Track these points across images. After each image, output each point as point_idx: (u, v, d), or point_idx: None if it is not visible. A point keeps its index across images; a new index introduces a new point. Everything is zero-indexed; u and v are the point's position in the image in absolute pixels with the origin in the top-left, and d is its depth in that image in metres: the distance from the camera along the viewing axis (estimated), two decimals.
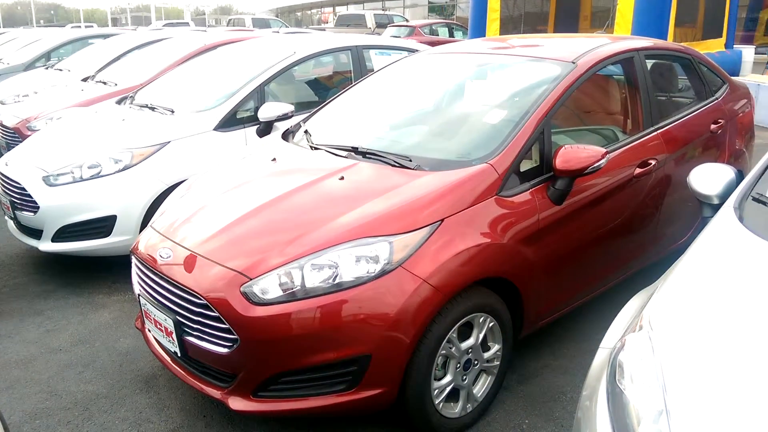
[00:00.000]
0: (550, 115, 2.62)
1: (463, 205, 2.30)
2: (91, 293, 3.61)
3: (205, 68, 5.05)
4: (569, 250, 2.66)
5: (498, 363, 2.49)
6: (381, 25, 20.61)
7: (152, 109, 4.33)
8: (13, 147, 5.15)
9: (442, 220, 2.23)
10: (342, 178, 2.54)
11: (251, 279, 2.11)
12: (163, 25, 28.43)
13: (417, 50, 5.24)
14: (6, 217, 4.03)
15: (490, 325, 2.40)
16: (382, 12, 26.08)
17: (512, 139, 2.51)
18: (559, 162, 2.47)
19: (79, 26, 36.59)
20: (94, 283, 3.74)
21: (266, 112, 4.08)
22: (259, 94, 4.27)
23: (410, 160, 2.55)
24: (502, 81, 3.27)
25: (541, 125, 2.57)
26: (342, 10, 35.30)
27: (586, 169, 2.48)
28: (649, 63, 3.46)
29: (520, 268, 2.42)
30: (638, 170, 2.97)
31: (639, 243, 3.17)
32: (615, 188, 2.85)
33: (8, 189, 3.84)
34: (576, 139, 3.12)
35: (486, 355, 2.43)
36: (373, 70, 4.91)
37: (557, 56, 2.98)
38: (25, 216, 3.71)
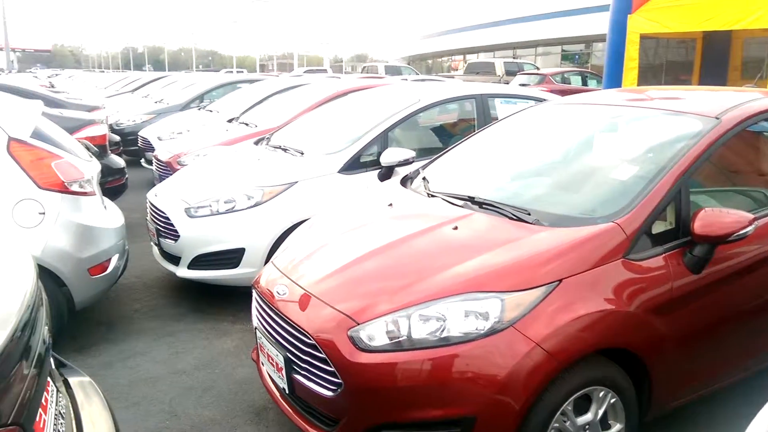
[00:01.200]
0: (688, 173, 2.41)
1: (584, 266, 2.16)
2: (217, 320, 3.85)
3: (335, 113, 5.31)
4: (706, 326, 2.40)
5: None
6: (510, 73, 20.58)
7: (284, 150, 4.62)
8: (165, 179, 5.72)
9: (561, 281, 2.11)
10: (456, 227, 2.51)
11: (359, 324, 2.12)
12: (304, 72, 30.57)
13: (544, 99, 5.13)
14: (152, 243, 4.44)
15: (612, 401, 2.20)
16: (512, 60, 26.06)
17: (644, 198, 2.34)
18: (699, 226, 2.25)
19: (231, 71, 40.41)
20: (221, 310, 3.99)
21: (388, 158, 4.19)
22: (383, 140, 4.39)
23: (528, 214, 2.47)
24: (636, 135, 3.09)
25: (678, 184, 2.37)
26: (472, 57, 35.81)
27: (730, 236, 2.24)
28: None
29: (648, 341, 2.21)
30: None
31: None
32: (763, 259, 2.54)
33: (155, 217, 4.24)
34: (719, 201, 2.84)
35: None
36: (497, 119, 4.89)
37: (699, 111, 2.76)
38: (167, 243, 4.07)
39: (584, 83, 18.33)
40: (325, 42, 58.51)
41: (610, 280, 2.18)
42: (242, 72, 39.59)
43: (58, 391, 1.55)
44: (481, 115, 4.84)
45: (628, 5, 9.10)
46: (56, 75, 43.42)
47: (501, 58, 25.70)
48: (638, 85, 8.25)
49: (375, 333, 2.08)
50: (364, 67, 30.41)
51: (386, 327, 2.08)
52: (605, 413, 2.19)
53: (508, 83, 18.63)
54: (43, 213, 3.16)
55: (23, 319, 1.31)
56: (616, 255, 2.22)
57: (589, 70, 21.57)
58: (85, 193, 3.39)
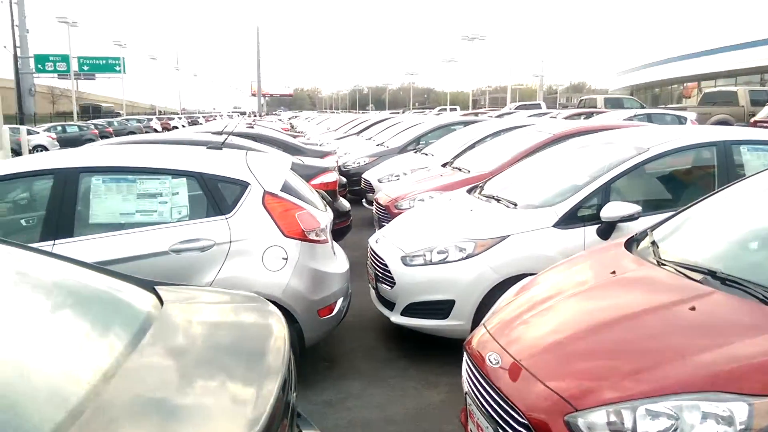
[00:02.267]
0: None
1: None
2: (426, 370, 3.95)
3: (552, 160, 5.18)
4: None
5: None
6: (757, 103, 17.90)
7: (497, 200, 4.62)
8: (383, 222, 6.13)
9: None
10: (693, 308, 2.23)
11: (577, 410, 1.99)
12: (516, 107, 30.48)
13: None
14: (370, 286, 4.77)
15: None
16: (759, 88, 22.63)
17: None
18: None
19: (445, 108, 42.02)
20: (430, 359, 4.09)
21: (609, 212, 3.93)
22: (604, 192, 4.14)
23: None
24: None
25: None
26: (709, 85, 32.05)
27: None
28: None
29: None
30: None
31: None
32: None
33: (375, 263, 4.55)
34: None
35: None
36: (743, 169, 4.29)
37: None
38: (384, 288, 4.33)
39: None
40: (539, 74, 57.66)
41: None
42: (455, 109, 40.93)
43: None
44: (723, 165, 4.29)
45: None
46: (296, 117, 49.89)
47: (744, 85, 22.50)
48: None
49: (596, 423, 1.94)
50: (581, 99, 29.13)
51: (608, 418, 1.92)
52: None
53: (753, 115, 16.26)
54: (286, 258, 3.60)
55: (283, 378, 1.49)
56: None
57: None
58: (319, 241, 3.79)
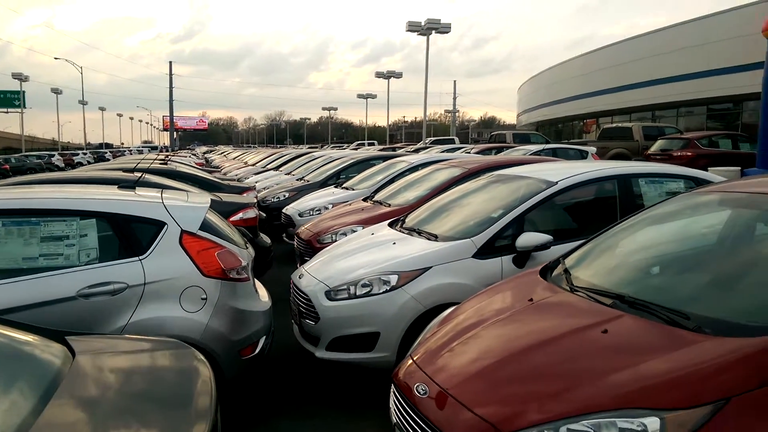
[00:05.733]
0: None
1: (757, 383, 1.93)
2: (354, 403, 3.92)
3: (469, 194, 5.36)
4: None
5: None
6: (650, 137, 19.52)
7: (419, 233, 4.72)
8: (306, 256, 6.07)
9: (729, 399, 1.90)
10: (605, 331, 2.37)
11: None
12: (431, 142, 31.45)
13: (696, 178, 4.81)
14: (293, 322, 4.68)
15: None
16: (651, 124, 24.74)
17: None
18: None
19: (363, 143, 42.67)
20: (357, 393, 4.06)
21: (524, 242, 4.12)
22: (518, 224, 4.34)
23: (688, 318, 2.28)
24: None
25: None
26: (606, 121, 34.61)
27: None
28: None
29: None
30: None
31: None
32: None
33: (298, 298, 4.49)
34: None
35: None
36: (642, 199, 4.64)
37: None
38: (308, 324, 4.27)
39: (735, 146, 16.91)
40: (452, 111, 59.97)
41: None
42: (373, 143, 41.65)
43: None
44: (624, 197, 4.63)
45: None
46: (211, 151, 48.78)
47: (639, 122, 24.48)
48: None
49: None
50: (492, 134, 30.58)
51: None
52: None
53: (647, 148, 17.68)
54: (205, 299, 3.48)
55: (212, 423, 1.44)
56: None
57: (739, 133, 19.90)
58: (240, 279, 3.69)
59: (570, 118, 44.36)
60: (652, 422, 1.89)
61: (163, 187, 4.91)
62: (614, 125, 25.26)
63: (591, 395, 2.03)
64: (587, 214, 4.90)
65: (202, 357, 1.89)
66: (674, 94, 30.11)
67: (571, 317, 2.58)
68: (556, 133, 45.61)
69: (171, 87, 55.06)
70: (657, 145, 16.95)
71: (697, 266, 2.96)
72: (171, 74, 54.63)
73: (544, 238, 4.10)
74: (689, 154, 14.83)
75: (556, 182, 4.56)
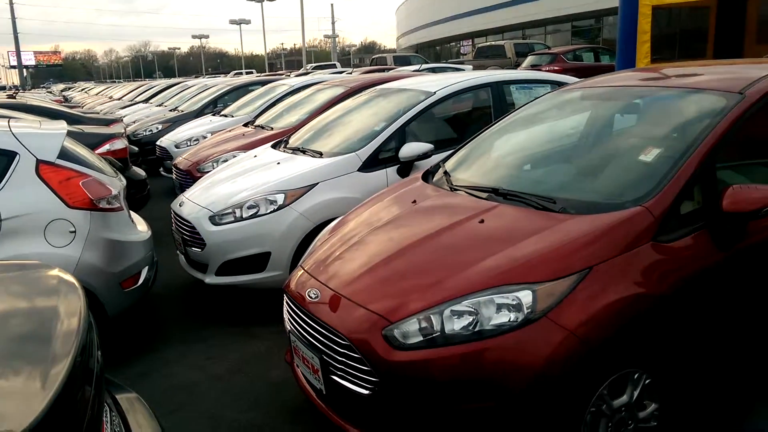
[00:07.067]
0: (714, 151, 2.38)
1: (614, 252, 2.16)
2: (248, 324, 3.90)
3: (351, 111, 5.32)
4: (737, 303, 2.38)
5: (655, 424, 2.27)
6: (521, 54, 20.33)
7: (303, 152, 4.64)
8: (186, 187, 5.79)
9: (591, 268, 2.11)
10: (482, 221, 2.51)
11: (392, 323, 2.14)
12: (312, 68, 30.59)
13: (560, 82, 5.09)
14: (178, 252, 4.51)
15: (646, 381, 2.20)
16: (522, 41, 25.72)
17: (671, 179, 2.32)
18: (727, 203, 2.24)
19: (241, 73, 40.60)
20: (251, 314, 4.04)
21: (407, 153, 4.20)
22: (401, 135, 4.40)
23: (554, 202, 2.46)
24: (657, 115, 3.05)
25: (704, 163, 2.35)
26: (481, 41, 35.47)
27: (760, 211, 2.22)
28: None
29: (678, 322, 2.21)
30: None
31: None
32: None
33: (181, 227, 4.31)
34: (746, 176, 2.80)
35: (641, 414, 2.23)
36: (513, 105, 4.86)
37: (721, 86, 2.72)
38: (194, 252, 4.14)
39: (597, 59, 18.09)
40: (332, 36, 58.37)
41: (640, 264, 2.17)
42: (252, 72, 39.76)
43: (109, 409, 1.60)
44: (498, 103, 4.82)
45: None
46: (69, 89, 44.10)
47: (510, 39, 25.36)
48: (651, 57, 8.11)
49: (409, 331, 2.10)
50: (373, 58, 30.26)
51: (419, 324, 2.10)
52: (640, 395, 2.19)
53: (519, 65, 18.41)
54: (74, 231, 3.23)
55: (81, 342, 1.35)
56: (646, 238, 2.21)
57: (600, 46, 21.25)
58: (112, 209, 3.46)
59: (447, 40, 44.93)
60: (525, 295, 2.06)
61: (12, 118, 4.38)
62: (488, 44, 25.94)
63: (470, 279, 2.17)
64: (465, 122, 5.06)
65: (71, 278, 1.75)
66: (542, 12, 31.42)
67: (451, 213, 2.69)
68: (435, 55, 46.10)
69: (13, 17, 48.50)
70: (527, 61, 17.70)
71: (563, 159, 3.18)
72: (12, 2, 47.96)
73: (425, 147, 4.20)
74: (557, 68, 15.62)
75: (435, 92, 4.63)
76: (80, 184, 3.33)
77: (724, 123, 2.44)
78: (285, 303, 2.76)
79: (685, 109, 2.84)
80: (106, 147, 5.57)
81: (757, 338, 2.57)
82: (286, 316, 2.74)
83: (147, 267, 3.68)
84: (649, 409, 2.24)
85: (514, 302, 2.06)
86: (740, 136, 2.75)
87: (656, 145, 2.68)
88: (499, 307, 2.06)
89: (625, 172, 2.71)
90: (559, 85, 5.03)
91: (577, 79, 4.45)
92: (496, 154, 3.43)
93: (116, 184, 3.70)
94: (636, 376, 2.17)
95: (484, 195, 2.74)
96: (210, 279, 4.06)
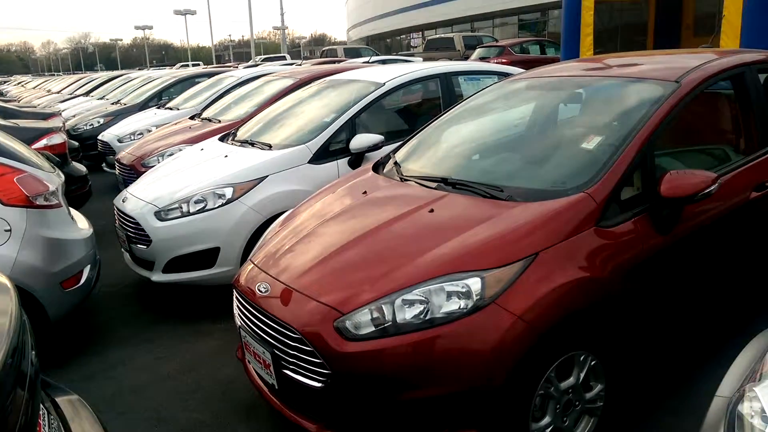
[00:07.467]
0: (653, 138, 2.47)
1: (559, 238, 2.21)
2: (197, 322, 3.81)
3: (300, 103, 5.25)
4: (677, 283, 2.48)
5: (601, 404, 2.34)
6: (470, 46, 20.54)
7: (252, 144, 4.56)
8: (130, 182, 5.60)
9: (537, 254, 2.15)
10: (432, 210, 2.52)
11: (344, 314, 2.13)
12: (262, 59, 30.08)
13: (508, 74, 5.17)
14: (123, 250, 4.37)
15: (592, 363, 2.27)
16: (470, 34, 26.02)
17: (611, 166, 2.39)
18: (665, 188, 2.32)
19: (187, 65, 39.52)
20: (200, 311, 3.95)
21: (357, 144, 4.18)
22: (351, 127, 4.37)
23: (501, 191, 2.50)
24: (599, 104, 3.14)
25: (643, 150, 2.43)
26: (431, 34, 35.69)
27: (696, 196, 2.31)
28: (762, 77, 3.19)
29: (621, 303, 2.28)
30: (754, 194, 2.73)
31: (757, 277, 2.89)
32: (728, 215, 2.63)
33: (125, 224, 4.16)
34: (683, 162, 2.92)
35: (588, 395, 2.30)
36: (462, 97, 4.90)
37: (659, 76, 2.82)
38: (139, 249, 4.01)
39: (543, 52, 18.48)
40: (281, 27, 57.52)
41: (583, 248, 2.23)
42: (198, 65, 38.76)
43: (48, 413, 1.53)
44: (446, 94, 4.85)
45: None
46: (5, 82, 41.92)
47: (459, 32, 25.60)
48: (594, 50, 8.35)
49: (360, 321, 2.10)
50: (323, 51, 29.98)
51: (371, 315, 2.10)
52: (587, 376, 2.26)
53: (468, 57, 18.61)
54: (9, 230, 3.08)
55: (12, 344, 1.28)
56: (589, 224, 2.27)
57: (546, 39, 21.72)
58: (51, 206, 3.31)
59: (397, 32, 44.98)
60: (475, 282, 2.08)
61: None
62: (438, 36, 26.11)
63: (420, 268, 2.17)
64: (415, 113, 5.08)
65: (1, 277, 1.66)
66: (489, 6, 31.87)
67: (401, 204, 2.70)
68: (386, 48, 46.10)
69: None
70: (476, 54, 17.90)
71: (511, 148, 3.24)
72: None
73: (376, 138, 4.20)
74: (504, 60, 15.90)
75: (384, 83, 4.63)
76: (15, 180, 3.18)
77: (662, 111, 2.53)
78: (235, 298, 2.71)
79: (625, 98, 2.93)
80: (43, 142, 5.32)
81: (695, 315, 2.69)
82: (236, 311, 2.68)
83: (89, 266, 3.54)
84: (595, 390, 2.31)
85: (464, 289, 2.08)
86: (677, 123, 2.87)
87: (598, 133, 2.76)
88: (449, 295, 2.08)
89: (569, 159, 2.78)
90: (505, 76, 5.11)
91: (522, 71, 4.52)
92: (445, 144, 3.45)
93: (54, 179, 3.54)
94: (582, 358, 2.23)
95: (434, 185, 2.76)
96: (157, 277, 3.94)
